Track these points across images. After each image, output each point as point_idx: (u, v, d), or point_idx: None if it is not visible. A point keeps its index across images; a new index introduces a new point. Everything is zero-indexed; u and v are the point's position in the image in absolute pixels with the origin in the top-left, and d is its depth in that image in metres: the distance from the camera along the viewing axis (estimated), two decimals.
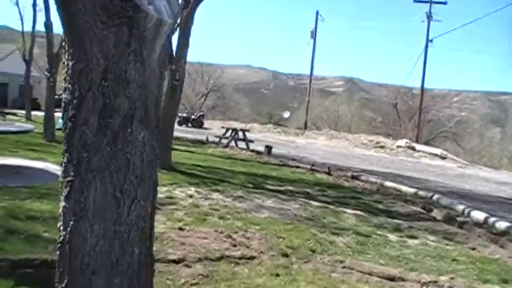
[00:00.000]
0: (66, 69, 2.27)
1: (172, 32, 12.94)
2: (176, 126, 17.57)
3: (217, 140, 24.79)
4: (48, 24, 19.59)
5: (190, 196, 9.97)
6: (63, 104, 2.32)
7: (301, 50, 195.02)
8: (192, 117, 42.06)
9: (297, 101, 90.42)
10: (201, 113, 45.15)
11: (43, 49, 23.77)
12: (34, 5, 27.51)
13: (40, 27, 26.54)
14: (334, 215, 9.62)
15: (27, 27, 33.80)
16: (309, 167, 17.54)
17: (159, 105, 2.40)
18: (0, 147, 14.25)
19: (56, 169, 11.20)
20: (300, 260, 6.40)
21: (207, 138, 25.60)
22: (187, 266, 5.79)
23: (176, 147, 18.01)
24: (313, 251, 6.88)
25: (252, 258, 6.29)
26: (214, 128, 38.23)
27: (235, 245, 6.73)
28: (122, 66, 2.19)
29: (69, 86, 2.25)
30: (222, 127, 28.21)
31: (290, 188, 12.55)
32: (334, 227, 8.49)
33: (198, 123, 41.07)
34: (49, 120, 19.17)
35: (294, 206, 10.06)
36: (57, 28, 21.05)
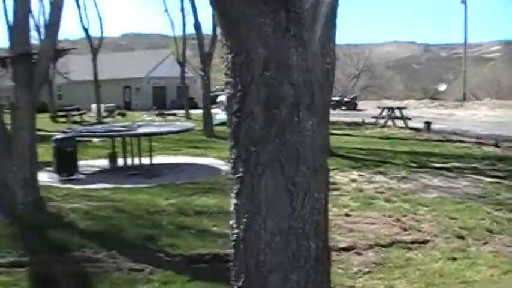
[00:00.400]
0: (225, 63, 2.21)
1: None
2: (330, 110, 17.42)
3: (373, 120, 24.31)
4: (197, 26, 20.47)
5: (353, 180, 9.83)
6: (225, 98, 2.26)
7: (451, 18, 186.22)
8: (345, 99, 41.63)
9: (451, 72, 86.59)
10: (354, 95, 44.68)
11: (195, 50, 24.78)
12: (182, 9, 29.22)
13: (189, 30, 27.80)
14: (509, 190, 8.98)
15: (178, 32, 35.49)
16: (474, 140, 16.64)
17: (324, 90, 2.27)
18: (164, 147, 15.03)
19: (218, 164, 11.57)
20: (477, 242, 6.04)
21: (363, 120, 25.16)
22: (358, 253, 5.67)
23: (333, 131, 17.91)
24: (491, 231, 6.46)
25: (425, 242, 6.03)
26: (368, 108, 37.55)
27: (405, 229, 6.49)
28: (283, 52, 2.08)
29: (231, 80, 2.18)
30: (378, 107, 27.58)
31: (456, 164, 11.95)
32: (511, 204, 7.91)
33: (351, 106, 40.55)
34: (207, 117, 19.98)
35: (463, 184, 9.55)
36: (206, 28, 21.81)
